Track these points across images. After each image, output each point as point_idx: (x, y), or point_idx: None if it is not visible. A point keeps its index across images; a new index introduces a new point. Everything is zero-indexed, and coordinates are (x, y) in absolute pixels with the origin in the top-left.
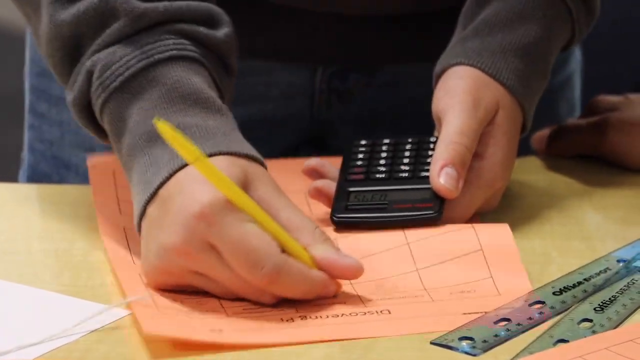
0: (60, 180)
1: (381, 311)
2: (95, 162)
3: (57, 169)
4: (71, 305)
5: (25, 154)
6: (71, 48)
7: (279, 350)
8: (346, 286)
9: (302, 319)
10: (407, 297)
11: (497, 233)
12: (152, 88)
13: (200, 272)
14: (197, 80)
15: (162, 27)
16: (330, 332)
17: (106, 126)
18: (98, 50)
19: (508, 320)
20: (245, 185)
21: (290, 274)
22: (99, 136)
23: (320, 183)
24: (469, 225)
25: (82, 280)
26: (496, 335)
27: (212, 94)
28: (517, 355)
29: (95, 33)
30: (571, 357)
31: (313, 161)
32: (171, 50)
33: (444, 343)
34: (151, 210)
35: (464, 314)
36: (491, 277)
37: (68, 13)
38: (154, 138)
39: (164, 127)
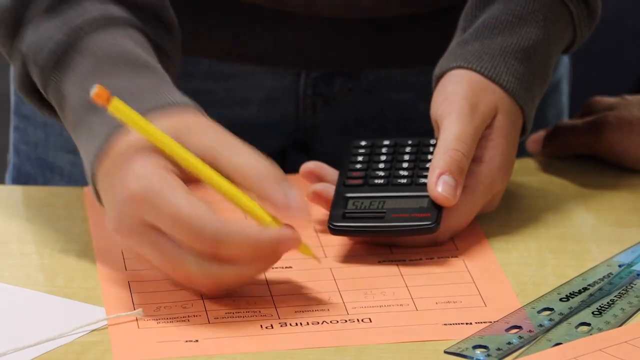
0: (45, 182)
1: (362, 319)
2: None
3: (41, 170)
4: (66, 307)
5: (10, 156)
6: (10, 22)
7: (273, 352)
8: (333, 293)
9: (282, 325)
10: (392, 306)
11: (487, 269)
12: (82, 58)
13: (143, 255)
14: (124, 42)
15: None
16: (308, 341)
17: (55, 106)
18: (26, 31)
19: (519, 327)
20: (180, 136)
21: (230, 237)
22: (46, 113)
23: (319, 187)
24: (463, 267)
25: (77, 282)
26: (509, 343)
27: (141, 52)
28: (514, 357)
29: (26, 6)
30: (566, 359)
31: (311, 164)
32: (96, 17)
33: (458, 352)
34: (99, 187)
35: (445, 324)
36: (478, 291)
37: None
38: (90, 107)
39: (101, 92)
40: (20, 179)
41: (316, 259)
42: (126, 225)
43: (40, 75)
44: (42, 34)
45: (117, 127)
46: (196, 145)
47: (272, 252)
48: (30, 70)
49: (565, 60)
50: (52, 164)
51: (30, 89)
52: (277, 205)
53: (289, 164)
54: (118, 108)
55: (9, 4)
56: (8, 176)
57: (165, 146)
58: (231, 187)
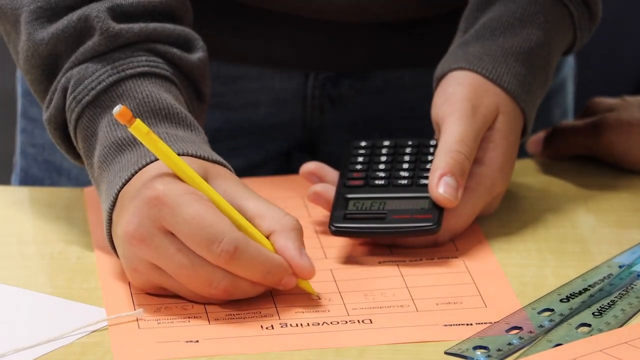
0: (52, 185)
1: (362, 320)
2: (93, 190)
3: (49, 173)
4: (66, 307)
5: (17, 158)
6: (48, 66)
7: (274, 353)
8: (333, 294)
9: (282, 326)
10: (393, 307)
11: (488, 270)
12: (122, 102)
13: (156, 263)
14: (167, 97)
15: (135, 46)
16: (309, 342)
17: (80, 145)
18: (72, 67)
19: (519, 328)
20: (206, 175)
21: (248, 251)
22: (72, 157)
23: (319, 187)
24: (463, 267)
25: (77, 283)
26: (510, 344)
27: (183, 109)
28: (515, 358)
29: (71, 50)
30: (566, 359)
31: (311, 165)
32: (143, 66)
33: (458, 353)
34: (115, 215)
35: (445, 325)
36: (478, 292)
37: (47, 32)
38: (124, 145)
39: (125, 112)
40: (28, 181)
41: (316, 296)
42: (144, 229)
43: (75, 107)
44: (86, 69)
45: (151, 161)
46: (219, 186)
47: (276, 277)
48: (66, 101)
49: (570, 60)
50: (60, 167)
51: (59, 125)
52: (286, 256)
53: (294, 165)
54: (139, 129)
55: (62, 43)
56: (14, 178)
57: (182, 172)
58: (245, 221)
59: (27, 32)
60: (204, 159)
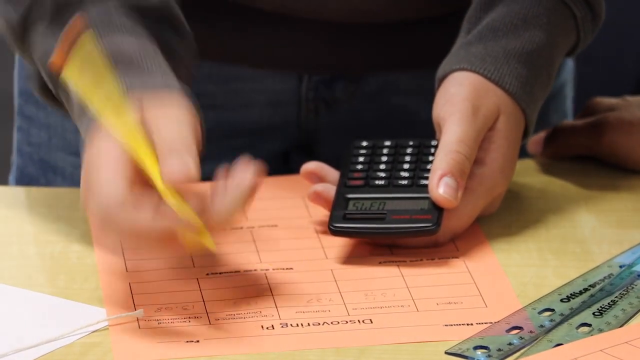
0: (48, 184)
1: (363, 320)
2: None
3: (44, 172)
4: (66, 308)
5: (14, 157)
6: (20, 34)
7: (274, 353)
8: (334, 294)
9: (283, 326)
10: (393, 307)
11: (488, 270)
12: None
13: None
14: (123, 46)
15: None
16: (309, 342)
17: (65, 104)
18: (35, 38)
19: (520, 328)
20: (141, 105)
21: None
22: (56, 108)
23: (320, 187)
24: (464, 267)
25: (77, 283)
26: (510, 344)
27: (133, 49)
28: (515, 358)
29: (32, 18)
30: (567, 359)
31: (312, 164)
32: (95, 23)
33: (458, 353)
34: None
35: (446, 325)
36: (479, 292)
37: None
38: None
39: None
40: (23, 180)
41: (213, 248)
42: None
43: (50, 81)
44: (47, 45)
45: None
46: (146, 117)
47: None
48: (43, 76)
49: (570, 65)
50: (55, 166)
51: (48, 91)
52: (163, 177)
53: (291, 166)
54: (71, 75)
55: (18, 17)
56: (11, 177)
57: (102, 114)
58: (149, 160)
59: None
60: (151, 88)
